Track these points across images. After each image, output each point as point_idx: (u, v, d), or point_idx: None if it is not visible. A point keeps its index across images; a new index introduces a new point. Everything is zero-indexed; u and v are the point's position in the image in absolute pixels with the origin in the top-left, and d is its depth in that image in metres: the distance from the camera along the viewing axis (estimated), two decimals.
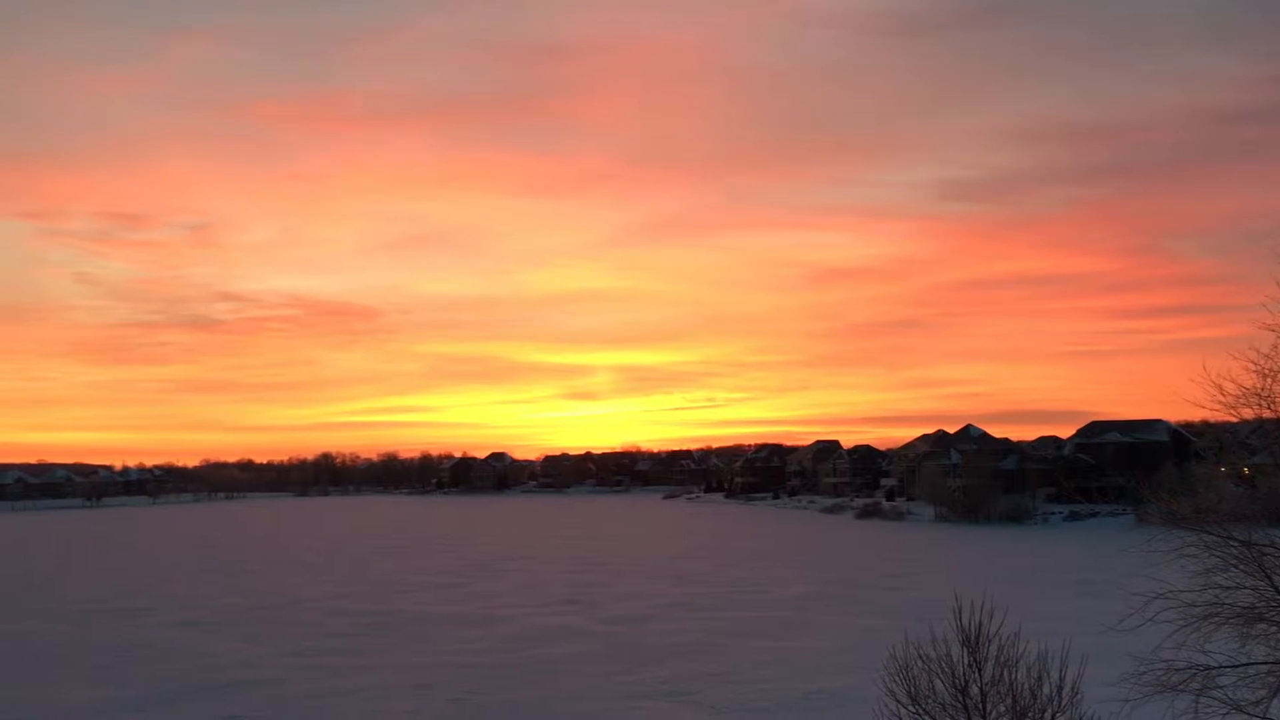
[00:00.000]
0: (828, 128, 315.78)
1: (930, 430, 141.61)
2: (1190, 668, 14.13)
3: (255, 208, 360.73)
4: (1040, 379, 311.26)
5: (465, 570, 65.15)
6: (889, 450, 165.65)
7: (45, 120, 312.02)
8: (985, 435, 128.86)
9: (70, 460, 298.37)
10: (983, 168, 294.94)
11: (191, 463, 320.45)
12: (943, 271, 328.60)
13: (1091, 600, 44.96)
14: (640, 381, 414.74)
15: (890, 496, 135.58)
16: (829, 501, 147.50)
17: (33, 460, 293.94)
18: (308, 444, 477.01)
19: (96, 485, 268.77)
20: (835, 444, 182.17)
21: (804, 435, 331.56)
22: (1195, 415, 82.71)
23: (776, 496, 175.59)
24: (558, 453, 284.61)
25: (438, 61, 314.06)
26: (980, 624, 13.85)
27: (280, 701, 27.36)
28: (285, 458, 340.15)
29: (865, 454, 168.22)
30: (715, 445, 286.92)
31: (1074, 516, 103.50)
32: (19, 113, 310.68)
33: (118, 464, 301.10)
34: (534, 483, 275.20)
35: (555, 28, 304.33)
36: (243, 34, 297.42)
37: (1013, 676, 13.53)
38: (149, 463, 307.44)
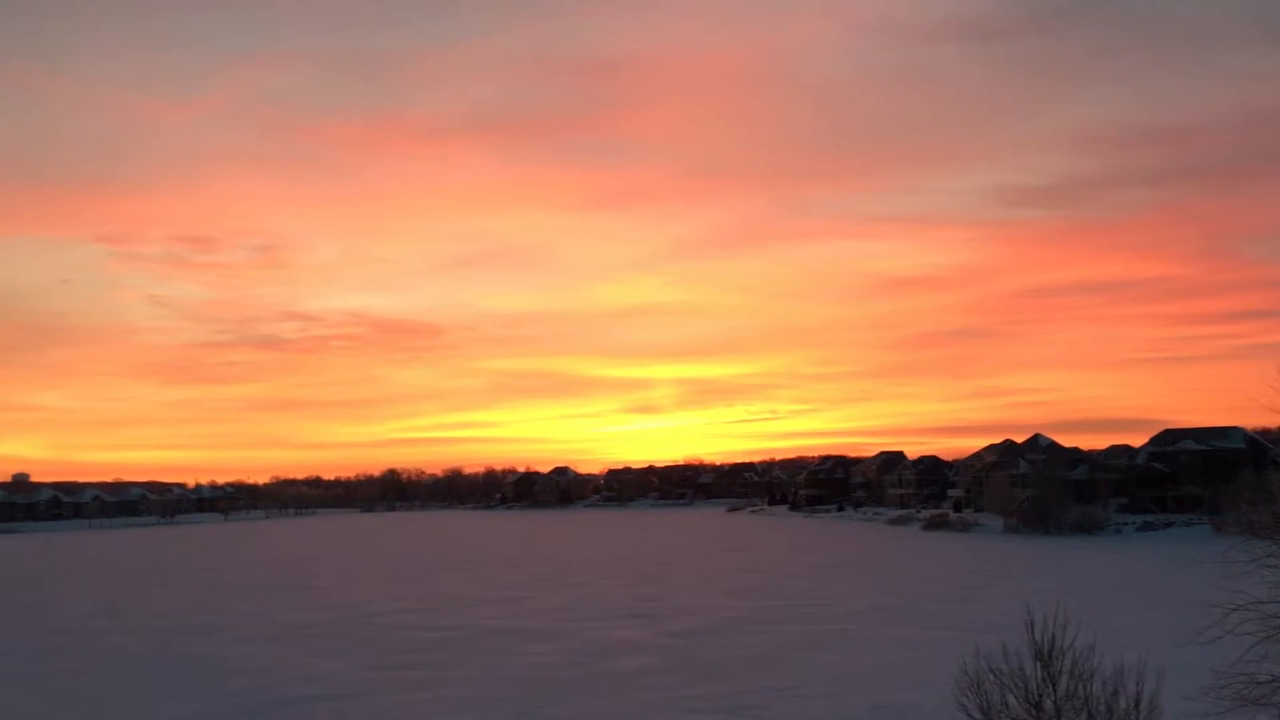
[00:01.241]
0: (886, 136, 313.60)
1: (997, 440, 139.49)
2: (1272, 680, 13.73)
3: (320, 228, 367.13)
4: (1110, 386, 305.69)
5: (529, 584, 65.36)
6: (955, 461, 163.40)
7: (120, 148, 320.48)
8: (1054, 445, 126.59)
9: (145, 478, 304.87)
10: (1046, 173, 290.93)
11: (261, 480, 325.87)
12: (1007, 279, 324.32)
13: (1167, 613, 43.91)
14: (702, 394, 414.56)
15: (957, 507, 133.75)
16: (894, 513, 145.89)
17: (109, 479, 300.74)
18: (374, 460, 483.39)
19: (170, 503, 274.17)
20: (900, 455, 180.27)
21: (867, 446, 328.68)
22: (1273, 422, 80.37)
23: (841, 508, 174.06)
24: (620, 466, 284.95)
25: (495, 79, 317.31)
26: (1053, 637, 13.59)
27: (349, 716, 27.63)
28: (352, 474, 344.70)
29: (931, 465, 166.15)
30: (778, 457, 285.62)
31: (1148, 527, 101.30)
32: (95, 141, 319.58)
33: (191, 482, 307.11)
34: (597, 497, 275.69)
35: (611, 42, 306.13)
36: (304, 58, 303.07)
37: (1088, 691, 13.24)
38: (220, 480, 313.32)
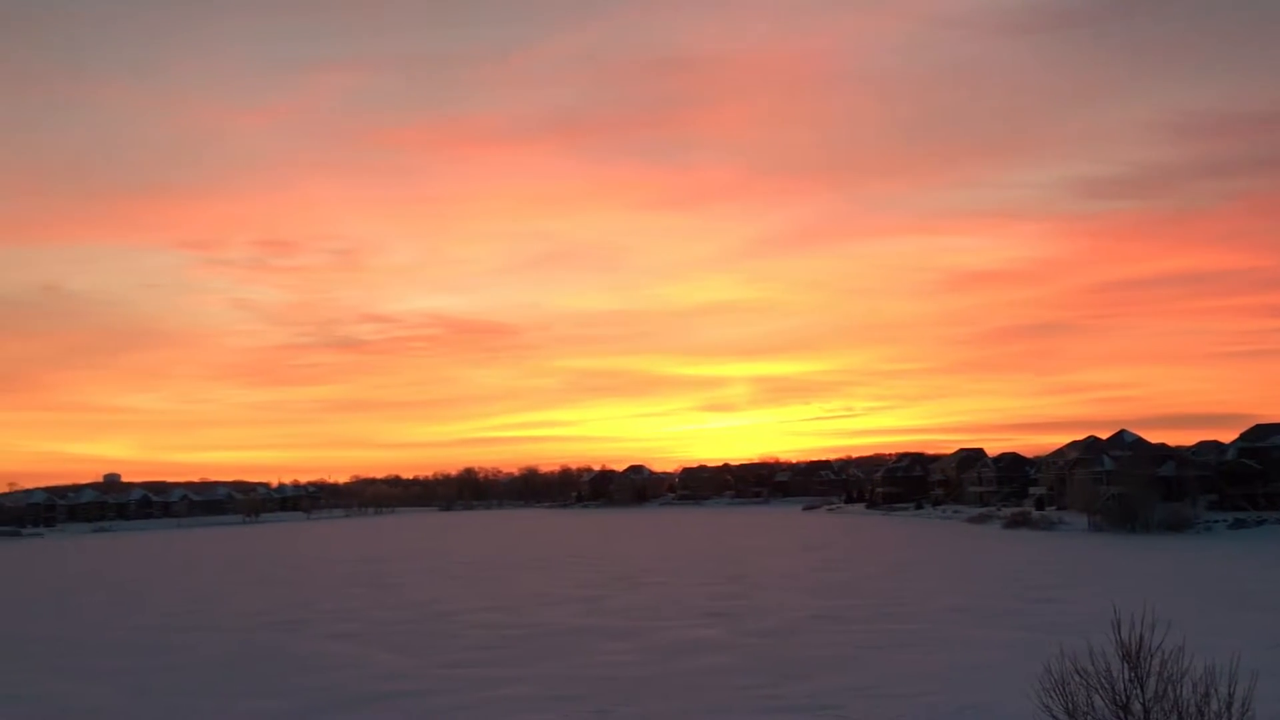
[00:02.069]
0: (959, 129, 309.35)
1: (1080, 436, 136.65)
2: None
3: (397, 231, 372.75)
4: (1198, 381, 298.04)
5: (606, 583, 65.62)
6: (1036, 458, 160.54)
7: (201, 156, 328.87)
8: (1140, 441, 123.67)
9: (230, 478, 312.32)
10: (1128, 164, 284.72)
11: (342, 479, 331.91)
12: (1088, 272, 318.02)
13: (1260, 613, 42.68)
14: (777, 392, 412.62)
15: (1039, 505, 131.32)
16: (974, 511, 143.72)
17: (196, 479, 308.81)
18: (451, 459, 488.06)
19: (255, 502, 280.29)
20: (979, 452, 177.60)
21: (946, 444, 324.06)
22: None
23: (919, 506, 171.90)
24: (695, 465, 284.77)
25: (565, 81, 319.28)
26: (1141, 638, 13.30)
27: (429, 712, 28.01)
28: (430, 473, 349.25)
29: (1011, 462, 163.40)
30: (854, 455, 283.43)
31: (1239, 525, 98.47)
32: (178, 150, 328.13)
33: (274, 481, 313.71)
34: (672, 495, 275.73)
35: (679, 41, 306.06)
36: (379, 63, 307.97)
37: (1178, 693, 12.94)
38: (303, 479, 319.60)
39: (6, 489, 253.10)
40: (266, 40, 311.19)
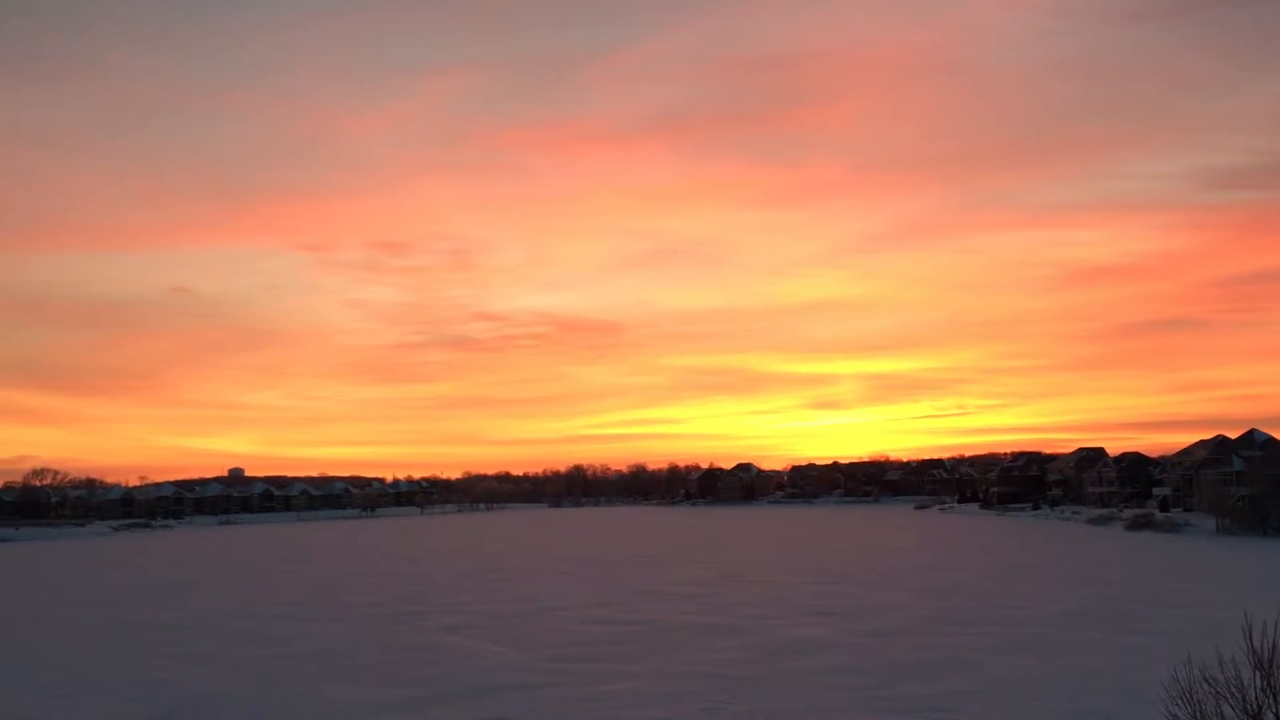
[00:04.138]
0: (1074, 121, 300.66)
1: (1208, 435, 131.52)
2: None
3: (506, 231, 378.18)
4: None
5: (714, 580, 65.47)
6: (1161, 458, 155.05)
7: (319, 159, 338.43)
8: (1272, 440, 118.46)
9: (347, 473, 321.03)
10: (1254, 152, 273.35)
11: (454, 475, 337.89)
12: (1215, 265, 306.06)
13: None
14: (887, 389, 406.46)
15: (1164, 507, 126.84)
16: (1094, 512, 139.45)
17: (315, 473, 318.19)
18: (560, 456, 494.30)
19: (370, 496, 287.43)
20: (1100, 451, 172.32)
21: (1064, 443, 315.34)
22: None
23: (1036, 507, 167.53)
24: (804, 463, 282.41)
25: (671, 79, 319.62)
26: (1275, 645, 12.71)
27: (539, 705, 28.27)
28: (540, 469, 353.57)
29: (1134, 462, 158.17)
30: (968, 454, 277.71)
31: None
32: (299, 155, 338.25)
33: (388, 477, 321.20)
34: (781, 493, 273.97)
35: (785, 38, 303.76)
36: (487, 66, 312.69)
37: None
38: (416, 475, 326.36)
39: (138, 482, 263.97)
40: (381, 48, 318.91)
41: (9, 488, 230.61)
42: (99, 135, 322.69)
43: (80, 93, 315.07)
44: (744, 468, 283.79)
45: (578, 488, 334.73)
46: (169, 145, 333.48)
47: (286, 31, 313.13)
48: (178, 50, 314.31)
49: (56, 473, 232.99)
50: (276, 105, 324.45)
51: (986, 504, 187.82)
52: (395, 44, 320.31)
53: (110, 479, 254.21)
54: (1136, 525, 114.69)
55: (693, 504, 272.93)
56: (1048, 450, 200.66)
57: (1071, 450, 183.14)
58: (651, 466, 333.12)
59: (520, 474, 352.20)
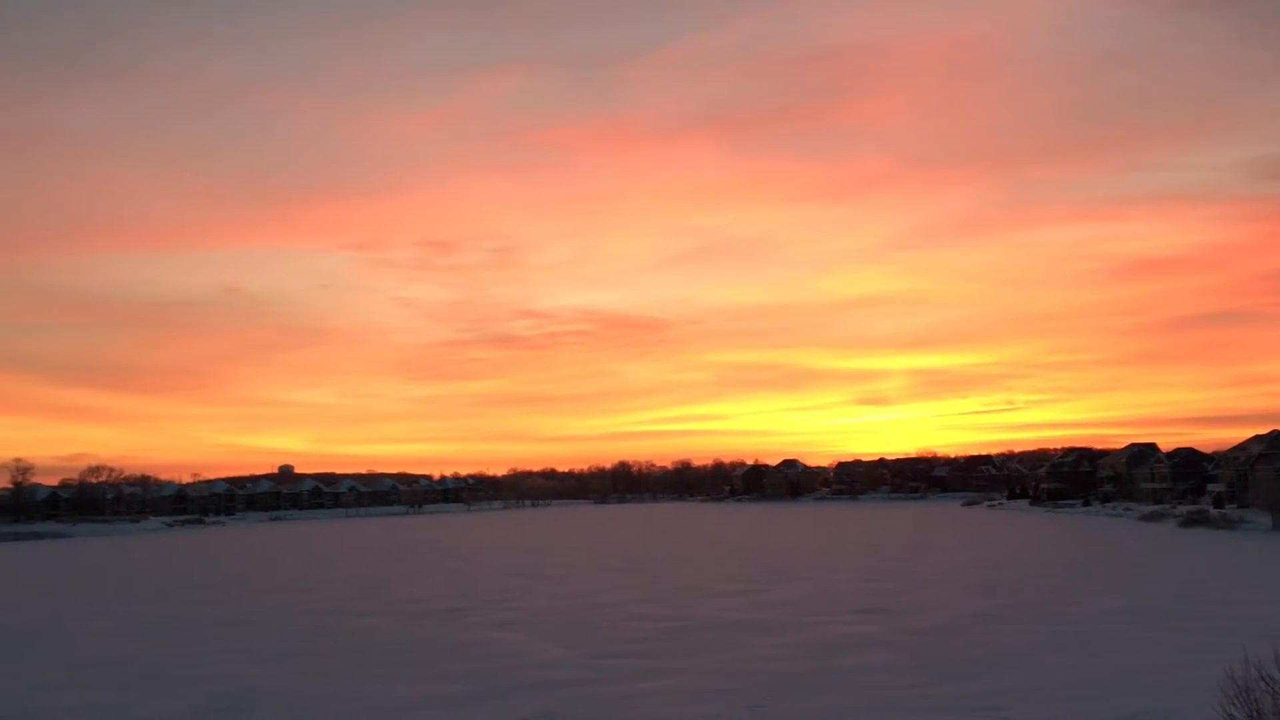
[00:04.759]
0: (1123, 113, 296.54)
1: (1263, 430, 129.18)
2: None
3: (552, 229, 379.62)
4: None
5: (760, 577, 65.27)
6: (1215, 453, 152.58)
7: (370, 160, 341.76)
8: None
9: (395, 470, 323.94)
10: None
11: (500, 472, 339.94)
12: (1268, 257, 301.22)
13: None
14: (934, 385, 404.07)
15: (1218, 503, 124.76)
16: (1146, 509, 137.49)
17: (363, 470, 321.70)
18: (605, 453, 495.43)
19: (418, 493, 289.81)
20: (1152, 447, 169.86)
21: (1115, 438, 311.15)
22: None
23: (1087, 503, 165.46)
24: (850, 459, 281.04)
25: (716, 75, 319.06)
26: None
27: (586, 701, 28.35)
28: (585, 466, 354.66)
29: (1187, 457, 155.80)
30: (1016, 450, 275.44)
31: None
32: (347, 155, 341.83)
33: (436, 474, 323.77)
34: (827, 490, 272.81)
35: (829, 32, 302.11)
36: (531, 65, 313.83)
37: None
38: (463, 472, 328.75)
39: (191, 479, 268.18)
40: (426, 45, 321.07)
41: (66, 484, 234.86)
42: (151, 137, 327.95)
43: (133, 95, 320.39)
44: (789, 464, 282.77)
45: (623, 484, 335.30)
46: (220, 146, 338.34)
47: (335, 33, 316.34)
48: (228, 52, 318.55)
49: (112, 470, 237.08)
50: (325, 106, 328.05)
51: (1036, 500, 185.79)
52: (441, 44, 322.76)
53: (164, 476, 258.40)
54: (1190, 522, 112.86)
55: (738, 501, 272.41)
56: (1098, 446, 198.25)
57: (1123, 446, 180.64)
58: (697, 463, 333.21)
59: (566, 471, 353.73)
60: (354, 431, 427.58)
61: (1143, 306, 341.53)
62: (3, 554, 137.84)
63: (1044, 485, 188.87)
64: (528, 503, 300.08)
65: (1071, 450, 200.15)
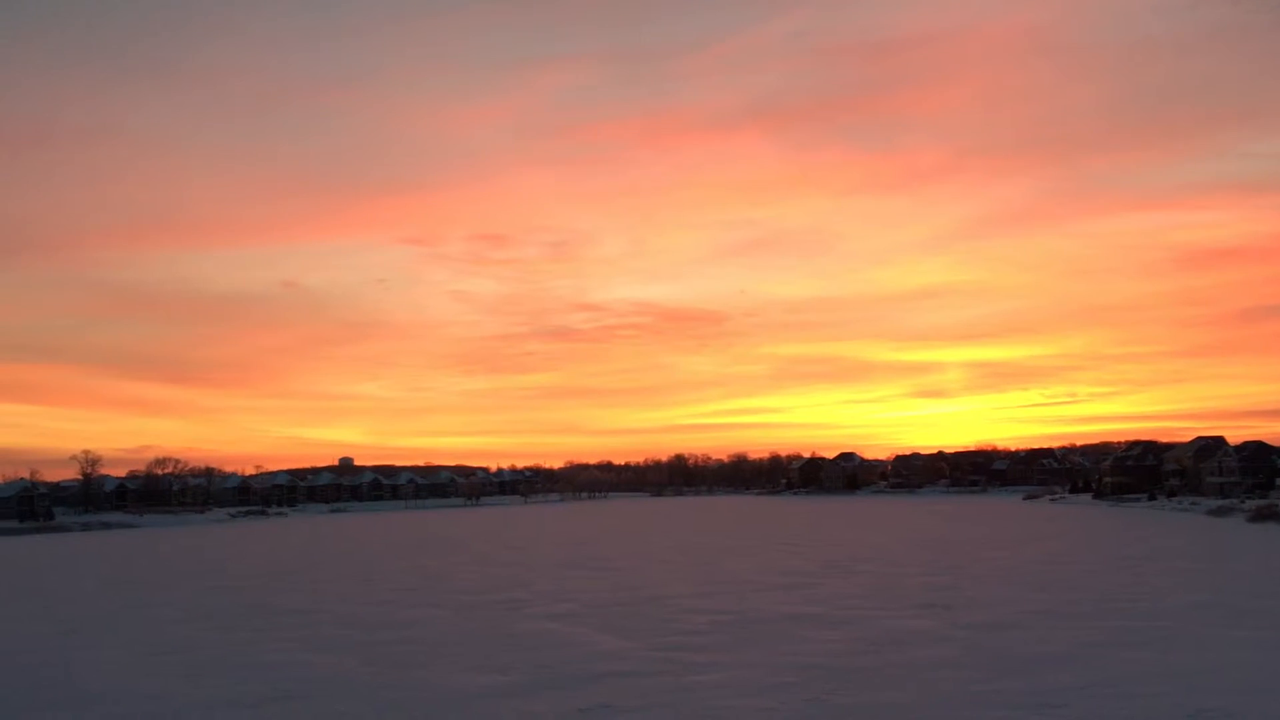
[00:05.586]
0: (1188, 99, 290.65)
1: None
2: None
3: (606, 222, 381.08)
4: None
5: (816, 570, 64.98)
6: None
7: (425, 155, 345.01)
8: None
9: (452, 462, 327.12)
10: None
11: (556, 464, 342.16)
12: None
13: None
14: (994, 377, 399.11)
15: None
16: (1214, 503, 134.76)
17: (421, 463, 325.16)
18: (661, 445, 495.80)
19: (475, 485, 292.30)
20: (1219, 440, 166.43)
21: (1181, 431, 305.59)
22: None
23: (1152, 498, 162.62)
24: (908, 452, 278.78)
25: (768, 68, 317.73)
26: None
27: (644, 692, 28.43)
28: (641, 459, 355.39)
29: (1256, 450, 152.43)
30: (1079, 443, 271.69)
31: None
32: (404, 150, 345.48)
33: (493, 466, 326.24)
34: (884, 483, 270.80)
35: (881, 23, 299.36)
36: (584, 60, 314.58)
37: None
38: (519, 464, 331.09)
39: (253, 471, 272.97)
40: (480, 40, 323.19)
41: (133, 476, 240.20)
42: (211, 134, 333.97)
43: (192, 93, 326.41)
44: (846, 457, 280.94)
45: (679, 477, 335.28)
46: (277, 143, 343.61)
47: (390, 29, 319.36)
48: (284, 48, 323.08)
49: (177, 461, 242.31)
50: (380, 101, 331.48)
51: (1099, 495, 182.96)
52: (495, 39, 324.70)
53: (227, 468, 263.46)
54: (1260, 516, 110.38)
55: (794, 493, 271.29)
56: (1164, 439, 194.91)
57: (1189, 439, 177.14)
58: (753, 456, 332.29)
59: (622, 463, 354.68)
60: (412, 424, 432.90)
61: (1209, 296, 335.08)
62: (74, 543, 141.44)
63: (1107, 479, 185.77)
64: (584, 495, 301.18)
65: (1136, 443, 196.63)
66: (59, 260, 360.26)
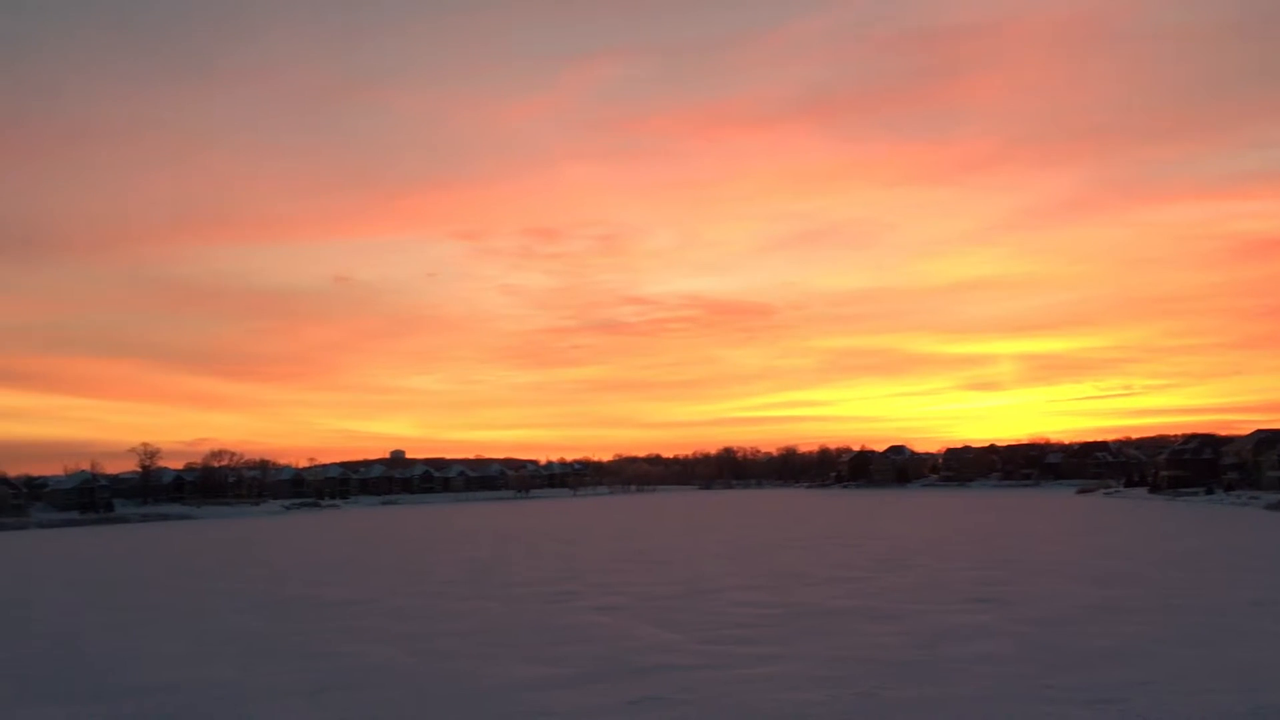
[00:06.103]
0: (1242, 87, 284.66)
1: None
2: None
3: (655, 215, 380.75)
4: None
5: (868, 564, 64.54)
6: None
7: (475, 149, 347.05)
8: None
9: (502, 455, 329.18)
10: None
11: (605, 457, 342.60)
12: None
13: None
14: (1046, 370, 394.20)
15: None
16: (1274, 498, 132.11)
17: (471, 455, 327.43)
18: (710, 438, 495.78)
19: (524, 478, 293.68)
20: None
21: (1239, 424, 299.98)
22: None
23: (1210, 492, 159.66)
24: (959, 445, 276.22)
25: (816, 59, 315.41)
26: None
27: (695, 686, 28.40)
28: (690, 452, 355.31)
29: None
30: (1134, 436, 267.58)
31: None
32: (453, 146, 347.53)
33: (542, 459, 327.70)
34: (935, 476, 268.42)
35: (930, 12, 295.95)
36: (633, 53, 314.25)
37: None
38: (568, 457, 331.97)
39: (307, 464, 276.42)
40: (528, 34, 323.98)
41: (190, 468, 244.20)
42: (261, 130, 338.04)
43: (242, 89, 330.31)
44: (896, 450, 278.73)
45: (728, 470, 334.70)
46: (329, 139, 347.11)
47: (438, 24, 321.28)
48: (334, 44, 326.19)
49: (233, 454, 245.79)
50: (430, 96, 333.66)
51: (1155, 488, 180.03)
52: (544, 32, 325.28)
53: (282, 460, 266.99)
54: None
55: (844, 487, 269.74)
56: (1222, 432, 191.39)
57: (1248, 432, 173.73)
58: (802, 449, 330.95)
59: (671, 456, 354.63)
60: (462, 417, 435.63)
61: (1268, 287, 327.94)
62: (133, 534, 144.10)
63: (1163, 473, 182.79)
64: (633, 488, 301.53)
65: (1193, 437, 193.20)
66: (116, 256, 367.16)
